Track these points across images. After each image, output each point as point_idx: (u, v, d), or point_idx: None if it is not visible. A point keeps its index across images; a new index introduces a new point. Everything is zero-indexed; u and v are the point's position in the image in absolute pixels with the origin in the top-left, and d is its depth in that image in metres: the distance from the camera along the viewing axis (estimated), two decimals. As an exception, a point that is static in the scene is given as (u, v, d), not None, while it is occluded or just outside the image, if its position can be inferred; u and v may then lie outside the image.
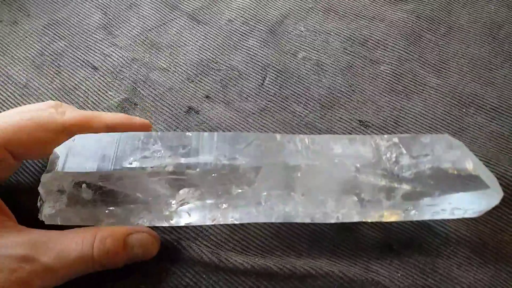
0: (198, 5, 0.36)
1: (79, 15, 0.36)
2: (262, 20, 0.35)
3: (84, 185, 0.21)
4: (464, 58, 0.33)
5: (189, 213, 0.22)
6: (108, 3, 0.36)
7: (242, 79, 0.32)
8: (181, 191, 0.21)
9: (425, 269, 0.23)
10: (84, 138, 0.22)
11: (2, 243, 0.19)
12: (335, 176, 0.22)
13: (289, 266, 0.23)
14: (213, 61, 0.33)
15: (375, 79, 0.32)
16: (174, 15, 0.36)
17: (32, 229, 0.21)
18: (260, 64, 0.33)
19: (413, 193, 0.22)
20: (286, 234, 0.25)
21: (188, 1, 0.37)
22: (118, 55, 0.33)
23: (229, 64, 0.33)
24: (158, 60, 0.33)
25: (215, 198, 0.22)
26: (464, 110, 0.30)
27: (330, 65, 0.33)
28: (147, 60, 0.33)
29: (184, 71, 0.32)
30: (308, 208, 0.22)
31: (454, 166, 0.22)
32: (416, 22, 0.35)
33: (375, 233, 0.25)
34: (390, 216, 0.23)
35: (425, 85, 0.31)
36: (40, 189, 0.21)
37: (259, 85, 0.32)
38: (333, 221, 0.23)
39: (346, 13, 0.36)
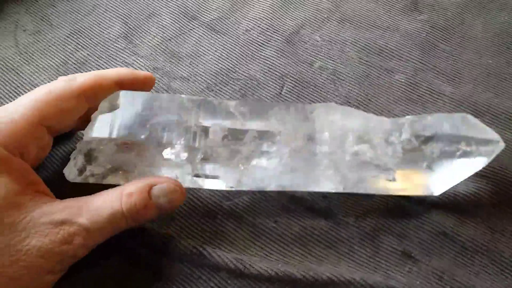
0: (216, 15, 0.37)
1: (100, 24, 0.36)
2: (279, 30, 0.36)
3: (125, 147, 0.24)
4: (478, 68, 0.33)
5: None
6: (129, 13, 0.37)
7: (261, 88, 0.33)
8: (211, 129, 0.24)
9: (443, 277, 0.24)
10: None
11: (41, 212, 0.21)
12: (348, 121, 0.26)
13: (311, 273, 0.23)
14: (232, 70, 0.34)
15: (391, 88, 0.33)
16: (192, 25, 0.37)
17: (65, 199, 0.22)
18: (277, 73, 0.34)
19: (421, 135, 0.25)
20: (306, 240, 0.25)
21: (206, 12, 0.37)
22: (139, 64, 0.34)
23: (248, 74, 0.34)
24: (179, 70, 0.34)
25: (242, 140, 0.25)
26: (479, 119, 0.31)
27: (346, 74, 0.34)
28: (168, 69, 0.34)
29: (204, 80, 0.33)
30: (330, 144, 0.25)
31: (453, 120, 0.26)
32: (430, 32, 0.36)
33: (394, 240, 0.25)
34: (404, 153, 0.25)
35: (440, 94, 0.32)
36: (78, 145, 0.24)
37: (277, 94, 0.32)
38: (351, 153, 0.25)
39: (361, 23, 0.36)
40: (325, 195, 0.27)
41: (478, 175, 0.27)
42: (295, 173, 0.25)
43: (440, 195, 0.27)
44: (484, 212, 0.27)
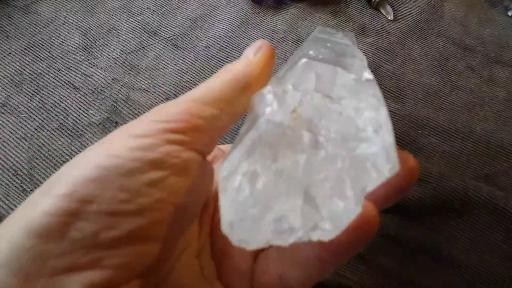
0: (176, 32, 0.39)
1: (59, 37, 0.37)
2: (238, 47, 0.38)
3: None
4: (418, 86, 0.37)
5: None
6: (88, 27, 0.38)
7: (219, 101, 0.34)
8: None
9: (391, 275, 0.26)
10: None
11: None
12: None
13: None
14: (191, 82, 0.35)
15: (341, 103, 0.35)
16: (153, 39, 0.38)
17: None
18: (235, 87, 0.35)
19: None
20: None
21: (166, 28, 0.39)
22: (99, 75, 0.34)
23: (206, 87, 0.35)
24: (138, 81, 0.34)
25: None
26: (419, 131, 0.34)
27: (300, 90, 0.36)
28: (127, 80, 0.34)
29: (163, 91, 0.34)
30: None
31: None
32: (376, 53, 0.39)
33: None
34: None
35: (385, 109, 0.35)
36: None
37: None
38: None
39: (313, 44, 0.39)
40: None
41: (421, 180, 0.30)
42: None
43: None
44: (425, 214, 0.29)
